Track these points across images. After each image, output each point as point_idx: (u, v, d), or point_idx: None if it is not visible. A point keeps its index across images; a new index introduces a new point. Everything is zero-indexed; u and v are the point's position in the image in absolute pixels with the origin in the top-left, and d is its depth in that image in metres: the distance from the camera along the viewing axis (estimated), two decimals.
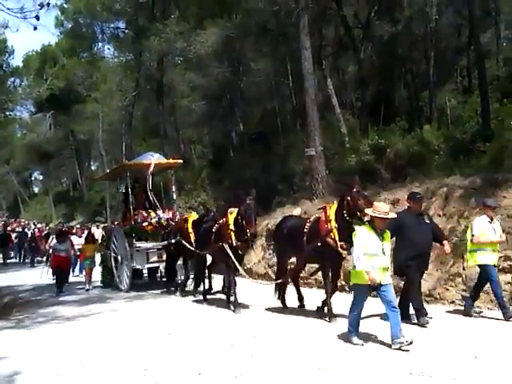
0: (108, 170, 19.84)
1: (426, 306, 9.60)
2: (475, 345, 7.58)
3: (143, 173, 16.36)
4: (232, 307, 11.57)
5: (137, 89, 33.34)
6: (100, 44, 42.83)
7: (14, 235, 32.26)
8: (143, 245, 15.86)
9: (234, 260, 11.55)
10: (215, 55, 28.19)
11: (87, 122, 44.55)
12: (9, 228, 35.23)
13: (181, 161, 18.55)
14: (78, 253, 19.06)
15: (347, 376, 6.59)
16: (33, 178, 75.23)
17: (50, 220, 48.44)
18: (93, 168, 60.66)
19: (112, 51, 42.41)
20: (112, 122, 41.78)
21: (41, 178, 71.38)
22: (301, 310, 11.03)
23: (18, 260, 31.33)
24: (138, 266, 16.31)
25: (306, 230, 10.17)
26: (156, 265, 16.63)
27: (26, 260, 30.21)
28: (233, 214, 11.61)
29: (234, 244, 11.56)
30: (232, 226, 11.55)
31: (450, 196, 12.88)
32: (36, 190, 75.92)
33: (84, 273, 18.49)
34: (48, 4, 14.80)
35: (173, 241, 14.57)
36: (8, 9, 14.81)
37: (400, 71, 26.30)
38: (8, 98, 40.44)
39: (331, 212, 9.75)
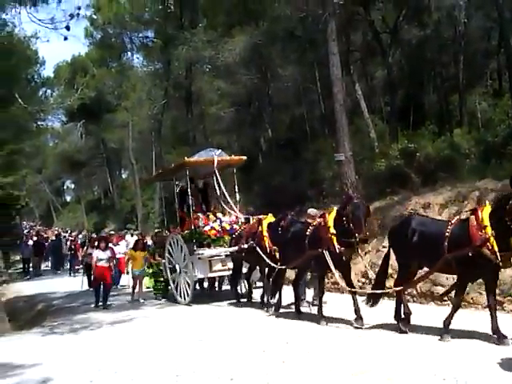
0: (159, 170, 18.12)
1: (460, 310, 9.51)
2: (499, 348, 7.47)
3: (202, 171, 15.50)
4: (321, 320, 10.29)
5: (166, 97, 33.57)
6: (129, 53, 43.17)
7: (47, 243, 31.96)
8: (208, 252, 14.31)
9: (333, 268, 10.00)
10: (243, 62, 28.28)
11: (117, 130, 44.99)
12: (44, 235, 35.44)
13: (244, 157, 16.76)
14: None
15: (380, 382, 6.55)
16: (65, 187, 76.28)
17: (82, 228, 48.89)
18: (123, 176, 61.21)
19: (141, 60, 42.81)
20: (142, 131, 42.08)
21: (73, 186, 72.38)
22: (333, 318, 10.98)
23: (52, 268, 30.91)
24: (201, 276, 14.75)
25: (447, 235, 8.39)
26: (220, 274, 15.13)
27: (61, 269, 29.94)
28: (331, 214, 10.18)
29: (337, 250, 9.94)
30: (333, 229, 10.03)
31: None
32: (68, 198, 76.97)
33: (132, 283, 17.03)
34: (78, 14, 15.09)
35: (245, 246, 12.88)
36: (39, 20, 15.13)
37: (429, 75, 26.10)
38: (40, 108, 40.95)
39: (484, 216, 8.16)
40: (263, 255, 12.12)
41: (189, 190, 14.88)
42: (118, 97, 43.80)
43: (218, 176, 15.08)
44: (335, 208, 10.27)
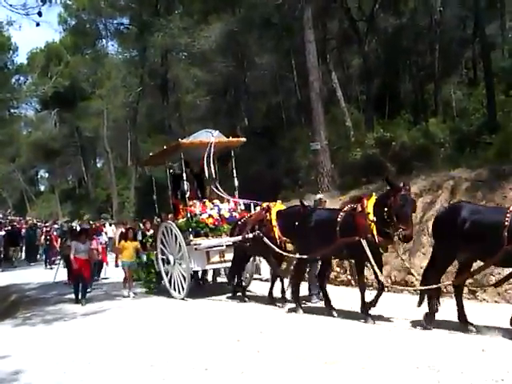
0: (152, 153, 16.46)
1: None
2: (483, 338, 7.52)
3: (198, 154, 13.86)
4: (367, 319, 9.10)
5: (141, 85, 33.37)
6: (104, 40, 42.90)
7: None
8: (206, 242, 13.16)
9: (371, 258, 8.99)
10: (219, 50, 28.15)
11: (92, 118, 44.60)
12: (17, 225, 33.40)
13: (244, 139, 15.86)
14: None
15: (354, 371, 6.55)
16: (39, 176, 75.31)
17: (56, 217, 48.42)
18: (98, 165, 60.70)
19: (116, 47, 42.54)
20: (117, 119, 41.82)
21: (46, 175, 71.51)
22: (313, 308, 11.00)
23: (26, 259, 29.24)
24: (198, 268, 13.69)
25: (507, 224, 7.47)
26: (218, 266, 14.00)
27: (35, 261, 28.42)
28: (371, 200, 9.25)
29: (376, 239, 9.03)
30: (372, 216, 9.06)
31: (456, 189, 12.79)
32: (42, 187, 76.03)
33: (124, 276, 15.24)
34: (50, 0, 14.82)
35: (250, 235, 11.70)
36: (10, 5, 14.83)
37: (405, 64, 26.19)
38: (13, 95, 40.51)
39: None
40: (272, 245, 11.11)
41: (184, 174, 13.74)
42: (93, 84, 43.42)
43: (213, 159, 13.84)
44: (374, 194, 9.51)
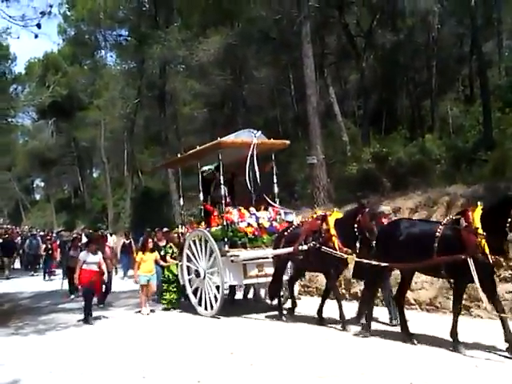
0: (181, 154, 14.97)
1: (427, 315, 9.56)
2: (477, 354, 7.52)
3: (235, 156, 12.88)
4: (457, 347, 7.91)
5: (139, 96, 33.35)
6: (102, 51, 42.83)
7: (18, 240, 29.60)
8: (249, 253, 11.91)
9: (477, 281, 7.74)
10: (217, 63, 28.22)
11: (89, 129, 44.58)
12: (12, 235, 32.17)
13: (288, 142, 14.40)
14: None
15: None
16: (34, 185, 75.23)
17: (51, 227, 48.30)
18: (94, 175, 60.68)
19: (114, 59, 42.48)
20: (114, 130, 41.80)
21: (42, 185, 71.38)
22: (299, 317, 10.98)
23: (25, 269, 28.35)
24: (234, 283, 12.38)
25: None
26: (255, 280, 12.43)
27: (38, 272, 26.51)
28: (476, 211, 8.02)
29: (490, 258, 7.76)
30: (481, 230, 7.82)
31: (451, 205, 12.83)
32: (37, 197, 75.89)
33: (140, 291, 13.81)
34: (50, 12, 14.85)
35: (305, 247, 10.35)
36: (10, 16, 14.84)
37: (402, 80, 26.29)
38: (10, 105, 40.48)
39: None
40: (334, 252, 9.85)
41: (221, 177, 12.53)
42: (91, 95, 43.45)
43: (256, 162, 12.50)
44: (479, 204, 8.28)
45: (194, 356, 8.44)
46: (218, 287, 12.07)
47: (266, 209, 12.98)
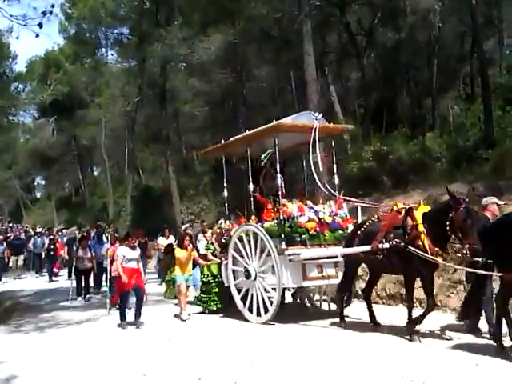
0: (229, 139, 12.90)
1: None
2: (477, 352, 7.52)
3: (289, 141, 11.82)
4: None
5: (140, 94, 33.38)
6: (103, 50, 42.93)
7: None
8: (309, 252, 10.49)
9: None
10: (218, 61, 28.23)
11: (90, 127, 44.66)
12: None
13: (351, 126, 13.52)
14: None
15: (348, 382, 6.54)
16: (35, 183, 75.28)
17: (52, 224, 48.34)
18: (95, 173, 60.75)
19: (115, 57, 42.51)
20: (115, 128, 41.85)
21: (43, 183, 71.46)
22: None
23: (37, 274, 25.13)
24: (292, 285, 10.93)
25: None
26: (315, 283, 11.06)
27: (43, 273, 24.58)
28: None
29: None
30: None
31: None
32: (38, 195, 75.94)
33: (178, 293, 12.43)
34: (51, 12, 14.84)
35: (385, 245, 8.80)
36: (11, 15, 14.86)
37: (403, 78, 26.32)
38: (11, 103, 40.55)
39: None
40: (425, 255, 8.30)
41: (277, 164, 11.11)
42: (92, 93, 43.50)
43: (318, 149, 11.05)
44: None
45: (195, 353, 8.45)
46: (278, 290, 10.48)
47: (325, 202, 11.59)
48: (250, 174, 11.87)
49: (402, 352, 7.80)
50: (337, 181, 11.63)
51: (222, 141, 12.96)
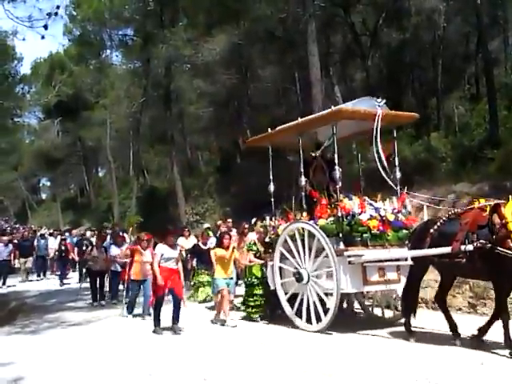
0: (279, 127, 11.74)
1: (433, 312, 9.56)
2: (482, 351, 7.51)
3: (347, 129, 10.79)
4: None
5: (144, 95, 33.44)
6: (108, 51, 43.03)
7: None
8: (375, 254, 9.43)
9: None
10: (223, 62, 28.26)
11: (95, 128, 44.69)
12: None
13: (416, 114, 12.24)
14: (117, 268, 14.55)
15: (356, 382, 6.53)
16: (41, 185, 75.58)
17: (57, 226, 48.46)
18: (100, 174, 60.89)
19: (120, 58, 42.69)
20: (120, 129, 41.92)
21: (48, 184, 71.68)
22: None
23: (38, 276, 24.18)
24: (351, 290, 9.70)
25: None
26: (377, 288, 9.96)
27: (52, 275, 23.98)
28: None
29: None
30: None
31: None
32: (44, 196, 76.22)
33: (218, 298, 11.47)
34: (56, 14, 14.89)
35: (469, 247, 7.70)
36: (17, 17, 14.92)
37: (408, 79, 26.27)
38: (16, 104, 40.66)
39: None
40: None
41: (335, 155, 9.95)
42: (96, 94, 43.59)
43: (379, 138, 9.92)
44: None
45: (200, 352, 8.45)
46: (336, 295, 9.39)
47: (384, 198, 10.42)
48: (301, 167, 10.72)
49: (407, 352, 7.79)
50: (398, 174, 10.48)
51: (269, 129, 11.82)
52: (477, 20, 20.12)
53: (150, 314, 11.56)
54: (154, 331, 10.33)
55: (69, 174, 58.60)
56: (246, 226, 13.87)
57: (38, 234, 28.83)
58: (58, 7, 15.17)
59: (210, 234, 15.95)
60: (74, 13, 39.24)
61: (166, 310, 10.51)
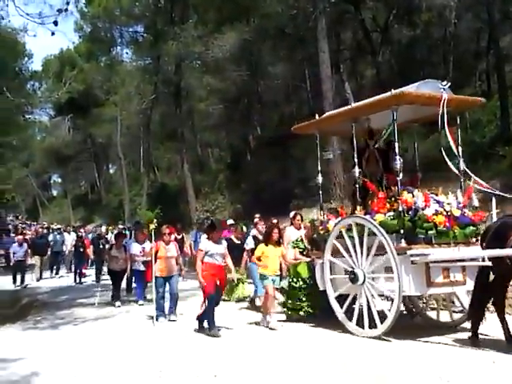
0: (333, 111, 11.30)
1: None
2: (494, 350, 7.48)
3: (406, 115, 9.68)
4: None
5: (155, 92, 33.48)
6: (118, 48, 43.17)
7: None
8: (444, 253, 8.42)
9: None
10: (233, 59, 28.28)
11: (105, 125, 44.87)
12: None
13: (483, 99, 11.22)
14: (140, 267, 13.98)
15: (375, 379, 6.51)
16: (52, 181, 75.95)
17: (68, 222, 48.65)
18: (111, 171, 61.07)
19: (130, 55, 42.74)
20: (130, 126, 42.04)
21: (59, 181, 72.08)
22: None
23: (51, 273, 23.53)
24: (415, 293, 8.66)
25: None
26: (442, 290, 8.89)
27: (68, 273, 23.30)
28: None
29: None
30: None
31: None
32: (55, 193, 76.65)
33: (262, 296, 10.79)
34: (66, 10, 14.92)
35: None
36: (27, 14, 14.94)
37: (418, 75, 26.10)
38: (27, 101, 40.75)
39: None
40: None
41: (396, 143, 9.05)
42: (107, 91, 43.67)
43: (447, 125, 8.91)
44: None
45: (211, 349, 8.46)
46: (397, 299, 8.38)
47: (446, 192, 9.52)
48: (354, 157, 9.65)
49: (421, 352, 7.78)
50: (462, 165, 9.53)
51: (317, 116, 10.82)
52: (488, 16, 20.02)
53: (175, 314, 11.54)
54: (211, 334, 9.49)
55: (80, 171, 58.94)
56: (274, 220, 12.86)
57: (54, 227, 28.69)
58: (67, 3, 15.17)
59: (244, 228, 15.10)
60: (85, 10, 39.35)
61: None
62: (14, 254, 20.96)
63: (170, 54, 29.34)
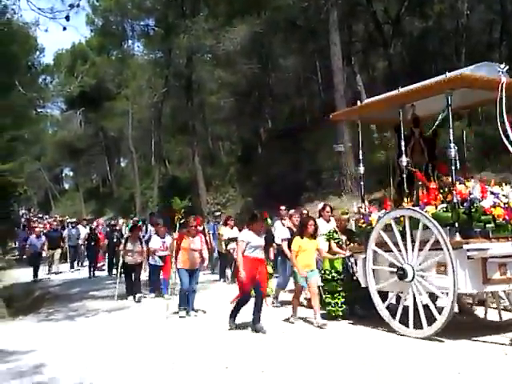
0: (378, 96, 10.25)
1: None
2: (507, 342, 7.47)
3: (457, 100, 9.07)
4: None
5: (166, 86, 33.47)
6: (130, 41, 43.11)
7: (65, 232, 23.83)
8: (505, 247, 7.80)
9: None
10: (244, 52, 28.25)
11: (117, 118, 44.93)
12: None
13: None
14: (158, 261, 13.97)
15: (393, 372, 6.52)
16: (63, 175, 76.35)
17: (80, 215, 48.90)
18: (122, 164, 61.26)
19: (142, 48, 42.72)
20: (142, 119, 42.07)
21: (71, 174, 72.44)
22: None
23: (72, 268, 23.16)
24: (470, 290, 8.09)
25: None
26: (499, 287, 8.25)
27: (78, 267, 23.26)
28: None
29: None
30: None
31: None
32: (67, 186, 77.03)
33: (307, 292, 10.41)
34: (78, 5, 14.94)
35: None
36: (39, 9, 14.96)
37: (430, 67, 26.03)
38: (39, 95, 40.85)
39: None
40: None
41: (450, 130, 8.47)
42: (118, 85, 43.72)
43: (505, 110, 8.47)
44: None
45: (223, 342, 8.50)
46: (452, 296, 7.78)
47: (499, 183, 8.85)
48: (402, 145, 9.11)
49: (432, 344, 7.77)
50: None
51: (358, 102, 10.32)
52: (500, 7, 19.92)
53: (196, 310, 11.33)
54: (231, 328, 9.35)
55: (91, 164, 59.14)
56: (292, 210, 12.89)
57: (68, 221, 28.37)
58: None
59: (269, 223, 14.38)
60: (97, 3, 39.38)
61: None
62: (30, 245, 20.97)
63: (181, 48, 29.32)
